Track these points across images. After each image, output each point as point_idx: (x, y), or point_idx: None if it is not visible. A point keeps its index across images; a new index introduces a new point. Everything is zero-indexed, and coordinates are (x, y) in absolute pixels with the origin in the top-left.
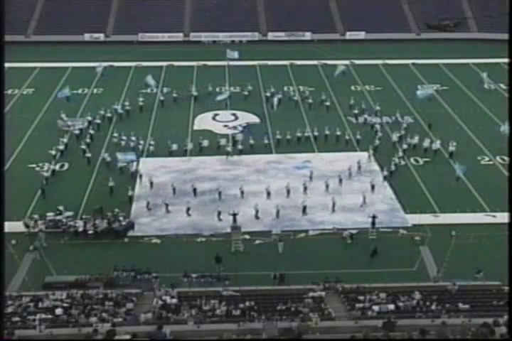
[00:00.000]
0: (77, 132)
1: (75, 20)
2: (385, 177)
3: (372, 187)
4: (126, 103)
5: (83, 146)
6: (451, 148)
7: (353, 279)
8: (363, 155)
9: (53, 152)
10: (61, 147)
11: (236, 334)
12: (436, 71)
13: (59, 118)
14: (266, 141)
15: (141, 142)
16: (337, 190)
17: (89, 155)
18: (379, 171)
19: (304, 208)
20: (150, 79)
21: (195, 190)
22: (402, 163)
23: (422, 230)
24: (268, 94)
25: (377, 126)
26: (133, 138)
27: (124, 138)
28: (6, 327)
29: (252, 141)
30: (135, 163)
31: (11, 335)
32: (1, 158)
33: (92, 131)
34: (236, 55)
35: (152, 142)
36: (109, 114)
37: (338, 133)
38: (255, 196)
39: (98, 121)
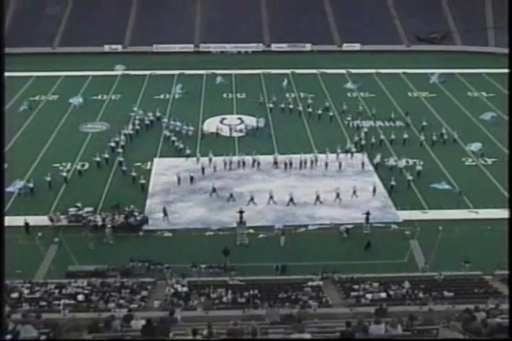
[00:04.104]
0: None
1: (96, 33)
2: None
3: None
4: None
5: (119, 149)
6: (419, 168)
7: (348, 270)
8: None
9: (113, 144)
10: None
11: (241, 319)
12: (424, 79)
13: (131, 111)
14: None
15: (184, 127)
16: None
17: (121, 159)
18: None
19: (318, 197)
20: (120, 67)
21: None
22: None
23: (412, 225)
24: (271, 103)
25: (365, 129)
26: (178, 123)
27: (179, 124)
28: (34, 310)
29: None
30: (149, 163)
31: (38, 318)
32: (1, 158)
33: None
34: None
35: (192, 128)
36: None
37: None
38: (260, 194)
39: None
